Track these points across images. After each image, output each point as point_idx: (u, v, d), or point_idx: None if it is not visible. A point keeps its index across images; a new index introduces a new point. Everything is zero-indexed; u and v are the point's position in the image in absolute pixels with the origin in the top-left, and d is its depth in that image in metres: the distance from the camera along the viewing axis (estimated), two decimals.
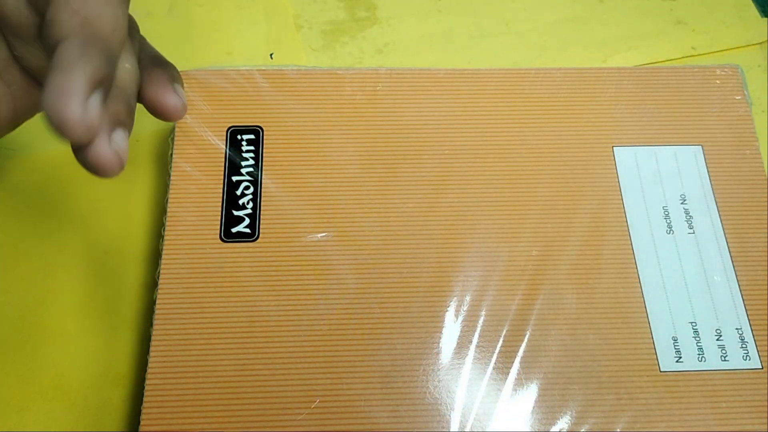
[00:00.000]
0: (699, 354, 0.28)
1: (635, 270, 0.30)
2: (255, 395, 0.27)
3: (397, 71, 0.34)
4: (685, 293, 0.29)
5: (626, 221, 0.31)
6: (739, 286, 0.30)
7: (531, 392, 0.27)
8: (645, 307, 0.29)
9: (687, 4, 0.40)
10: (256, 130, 0.33)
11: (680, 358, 0.28)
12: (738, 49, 0.38)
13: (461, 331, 0.28)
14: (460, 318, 0.29)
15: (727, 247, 0.30)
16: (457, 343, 0.28)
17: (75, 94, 0.20)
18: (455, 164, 0.32)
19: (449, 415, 0.27)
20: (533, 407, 0.27)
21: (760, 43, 0.39)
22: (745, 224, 0.31)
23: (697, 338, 0.28)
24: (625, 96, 0.34)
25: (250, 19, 0.41)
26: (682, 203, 0.31)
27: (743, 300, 0.29)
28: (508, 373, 0.28)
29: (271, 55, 0.38)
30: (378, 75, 0.34)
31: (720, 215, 0.31)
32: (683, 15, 0.40)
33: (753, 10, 0.40)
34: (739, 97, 0.34)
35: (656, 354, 0.28)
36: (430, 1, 0.41)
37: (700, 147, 0.33)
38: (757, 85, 0.37)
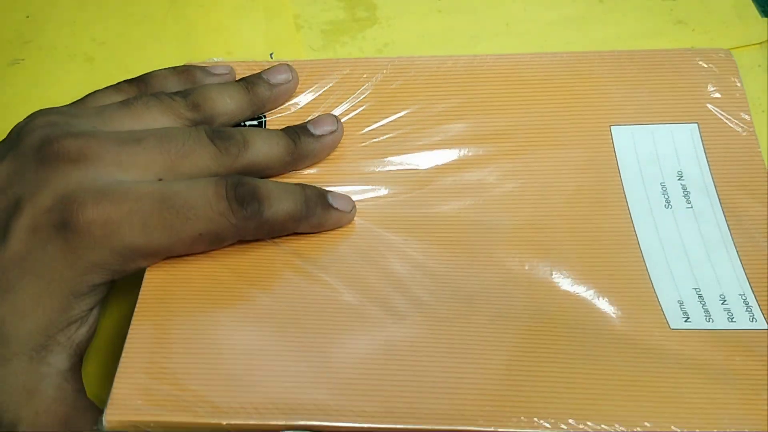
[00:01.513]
0: (706, 315, 0.28)
1: (636, 242, 0.30)
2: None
3: (397, 60, 0.35)
4: (686, 263, 0.30)
5: (625, 197, 0.31)
6: (738, 256, 0.30)
7: (545, 346, 0.27)
8: (648, 275, 0.29)
9: (687, 4, 0.40)
10: (260, 119, 0.34)
11: (688, 318, 0.28)
12: (738, 49, 0.38)
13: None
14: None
15: (725, 221, 0.31)
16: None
17: None
18: (453, 147, 0.33)
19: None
20: (550, 361, 0.27)
21: (760, 43, 0.39)
22: (741, 198, 0.31)
23: (702, 302, 0.29)
24: (621, 78, 0.35)
25: (250, 19, 0.41)
26: (679, 179, 0.32)
27: (744, 269, 0.29)
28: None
29: (271, 54, 0.38)
30: (378, 64, 0.35)
31: (717, 191, 0.31)
32: (683, 15, 0.40)
33: (753, 10, 0.40)
34: (733, 78, 0.34)
35: (664, 314, 0.28)
36: (430, 1, 0.41)
37: (696, 125, 0.33)
38: (757, 85, 0.37)
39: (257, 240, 0.29)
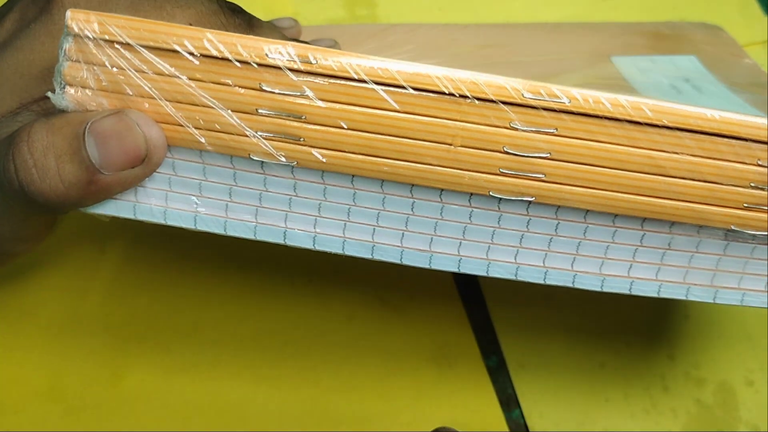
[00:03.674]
0: None
1: None
2: None
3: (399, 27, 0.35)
4: None
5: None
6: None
7: None
8: None
9: (690, 3, 0.40)
10: None
11: None
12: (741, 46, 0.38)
13: None
14: None
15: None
16: None
17: None
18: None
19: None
20: None
21: (762, 42, 0.39)
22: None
23: None
24: (617, 35, 0.34)
25: None
26: (686, 82, 0.31)
27: None
28: None
29: None
30: (381, 30, 0.34)
31: (725, 85, 0.31)
32: (686, 13, 0.40)
33: (756, 9, 0.40)
34: (725, 36, 0.34)
35: None
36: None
37: (694, 56, 0.33)
38: None
39: None
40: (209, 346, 0.32)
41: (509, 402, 0.32)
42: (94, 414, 0.30)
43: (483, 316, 0.33)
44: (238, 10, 0.26)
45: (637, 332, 0.33)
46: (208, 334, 0.32)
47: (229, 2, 0.26)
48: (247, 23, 0.26)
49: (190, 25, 0.25)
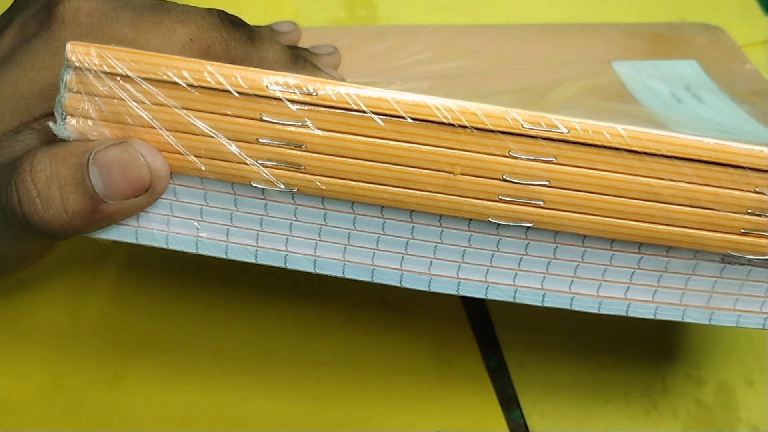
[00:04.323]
0: None
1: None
2: None
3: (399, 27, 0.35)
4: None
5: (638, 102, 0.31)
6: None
7: None
8: None
9: (690, 3, 0.40)
10: None
11: None
12: (741, 48, 0.38)
13: None
14: None
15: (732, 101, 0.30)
16: None
17: None
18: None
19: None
20: None
21: (762, 42, 0.39)
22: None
23: None
24: (617, 37, 0.34)
25: (249, 16, 0.40)
26: (687, 90, 0.31)
27: None
28: None
29: None
30: (381, 32, 0.34)
31: (726, 94, 0.31)
32: (686, 13, 0.40)
33: (756, 9, 0.40)
34: (725, 38, 0.34)
35: None
36: None
37: (695, 61, 0.33)
38: None
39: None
40: (208, 348, 0.32)
41: (509, 402, 0.32)
42: (93, 417, 0.30)
43: (483, 316, 0.33)
44: (238, 23, 0.26)
45: (637, 332, 0.33)
46: (208, 335, 0.32)
47: (229, 15, 0.26)
48: (248, 36, 0.26)
49: (191, 40, 0.25)
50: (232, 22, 0.26)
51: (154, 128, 0.20)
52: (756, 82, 0.32)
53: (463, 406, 0.32)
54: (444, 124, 0.20)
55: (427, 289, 0.22)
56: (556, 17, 0.40)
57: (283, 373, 0.32)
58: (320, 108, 0.20)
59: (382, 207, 0.21)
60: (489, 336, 0.33)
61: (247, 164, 0.20)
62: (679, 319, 0.23)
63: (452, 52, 0.33)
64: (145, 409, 0.31)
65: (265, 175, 0.20)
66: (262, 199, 0.21)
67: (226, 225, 0.21)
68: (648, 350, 0.33)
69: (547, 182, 0.20)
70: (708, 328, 0.34)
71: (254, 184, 0.20)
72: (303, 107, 0.20)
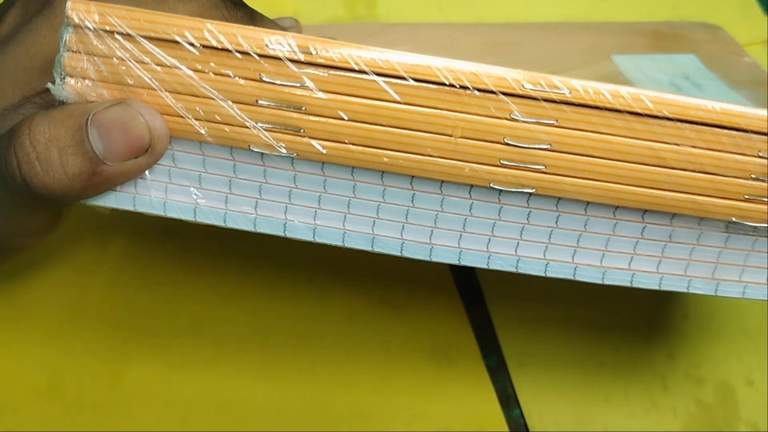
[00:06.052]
0: None
1: None
2: None
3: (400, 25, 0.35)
4: None
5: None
6: None
7: None
8: None
9: (690, 2, 0.40)
10: None
11: None
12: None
13: None
14: None
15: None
16: None
17: None
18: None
19: None
20: None
21: (762, 42, 0.39)
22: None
23: None
24: (617, 34, 0.34)
25: None
26: (686, 79, 0.31)
27: None
28: None
29: None
30: (381, 29, 0.35)
31: (725, 82, 0.31)
32: (686, 13, 0.40)
33: (756, 9, 0.40)
34: (725, 35, 0.34)
35: None
36: None
37: (694, 55, 0.33)
38: None
39: None
40: (209, 344, 0.32)
41: (509, 401, 0.32)
42: (93, 412, 0.30)
43: (483, 315, 0.33)
44: (239, 4, 0.26)
45: (637, 331, 0.33)
46: (208, 331, 0.32)
47: None
48: (249, 16, 0.26)
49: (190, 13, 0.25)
50: (232, 2, 0.26)
51: (154, 89, 0.20)
52: (755, 72, 0.32)
53: (462, 405, 0.32)
54: (445, 85, 0.20)
55: (428, 258, 0.22)
56: (556, 16, 0.40)
57: (283, 372, 0.32)
58: (321, 69, 0.20)
59: (383, 173, 0.21)
60: (489, 335, 0.33)
61: (246, 127, 0.20)
62: (685, 290, 0.22)
63: (448, 47, 0.33)
64: (144, 405, 0.30)
65: (264, 138, 0.20)
66: (261, 165, 0.21)
67: (224, 192, 0.21)
68: (648, 349, 0.33)
69: (548, 146, 0.20)
70: (708, 327, 0.34)
71: (253, 149, 0.20)
72: (304, 68, 0.20)
